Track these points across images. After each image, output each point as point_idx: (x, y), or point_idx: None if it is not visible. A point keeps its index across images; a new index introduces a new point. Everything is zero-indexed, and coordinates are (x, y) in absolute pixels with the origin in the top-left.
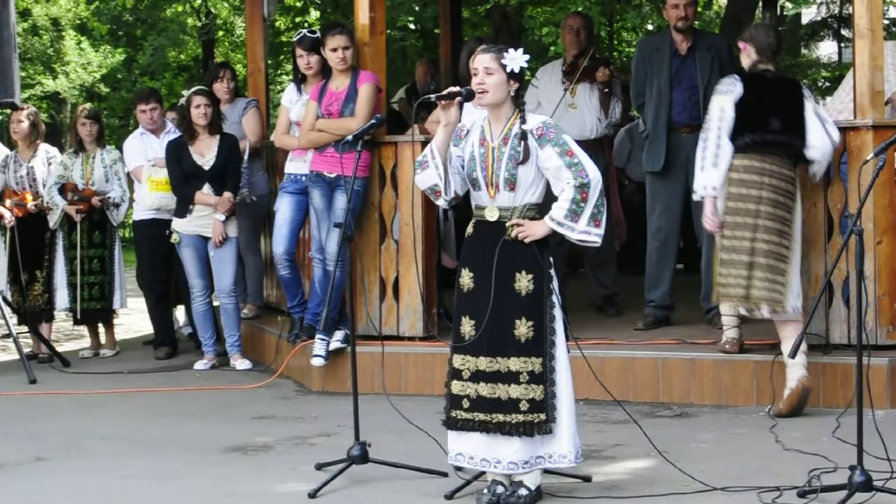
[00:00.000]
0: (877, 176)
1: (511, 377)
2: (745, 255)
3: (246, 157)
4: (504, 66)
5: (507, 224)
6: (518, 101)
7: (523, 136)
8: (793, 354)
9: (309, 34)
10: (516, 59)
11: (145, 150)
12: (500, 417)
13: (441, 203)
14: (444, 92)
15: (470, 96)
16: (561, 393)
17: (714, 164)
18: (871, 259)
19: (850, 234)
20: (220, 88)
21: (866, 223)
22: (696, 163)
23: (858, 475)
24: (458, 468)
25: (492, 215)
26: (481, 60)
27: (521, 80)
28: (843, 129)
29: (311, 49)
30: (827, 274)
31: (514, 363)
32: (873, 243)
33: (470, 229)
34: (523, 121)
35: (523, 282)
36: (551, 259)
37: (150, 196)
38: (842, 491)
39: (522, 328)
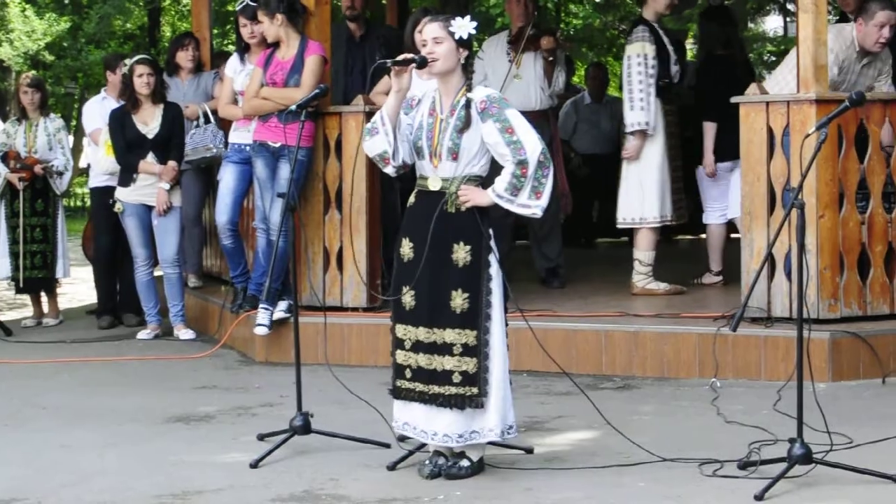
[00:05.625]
0: (819, 149)
1: (445, 349)
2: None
3: (211, 117)
4: (452, 35)
5: (449, 192)
6: (467, 71)
7: (467, 103)
8: (734, 328)
9: (252, 3)
10: (464, 26)
11: (105, 114)
12: (436, 389)
13: (389, 170)
14: (399, 58)
15: (423, 63)
16: (493, 367)
17: None
18: (812, 233)
19: (791, 207)
20: (184, 57)
21: (809, 197)
22: None
23: (798, 448)
24: (402, 439)
25: (434, 185)
26: (430, 30)
27: (469, 47)
28: (787, 103)
29: (255, 18)
30: (769, 247)
31: (449, 335)
32: (815, 217)
33: (412, 199)
34: (469, 90)
35: (461, 253)
36: (491, 231)
37: (106, 160)
38: (782, 463)
39: (458, 300)
